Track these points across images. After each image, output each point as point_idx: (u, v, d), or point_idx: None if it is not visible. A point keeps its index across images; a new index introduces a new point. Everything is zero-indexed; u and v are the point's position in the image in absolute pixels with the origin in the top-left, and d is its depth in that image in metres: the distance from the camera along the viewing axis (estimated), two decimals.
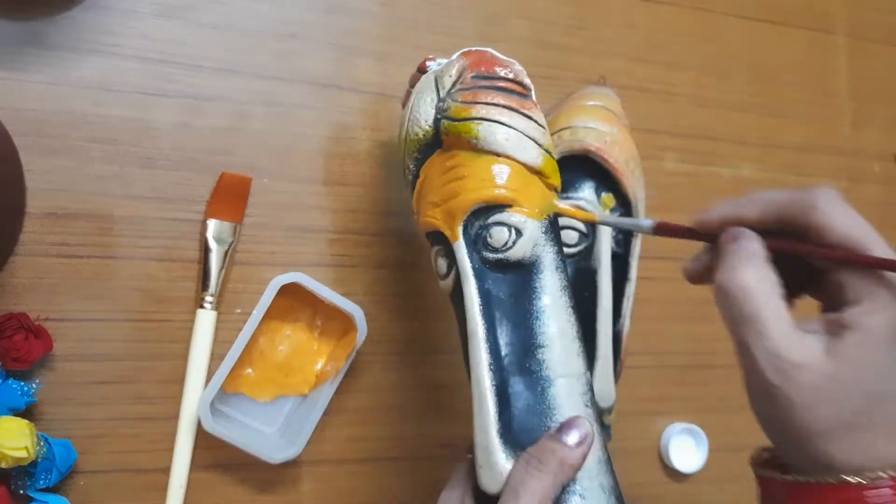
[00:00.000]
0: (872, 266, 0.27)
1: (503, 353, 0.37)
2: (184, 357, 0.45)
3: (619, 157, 0.49)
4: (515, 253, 0.38)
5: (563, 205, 0.39)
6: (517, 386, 0.37)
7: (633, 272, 0.51)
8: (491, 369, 0.36)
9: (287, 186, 0.48)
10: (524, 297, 0.38)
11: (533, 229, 0.38)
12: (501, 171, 0.38)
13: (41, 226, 0.43)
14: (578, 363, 0.38)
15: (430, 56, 0.43)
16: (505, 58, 0.41)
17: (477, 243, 0.38)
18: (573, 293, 0.49)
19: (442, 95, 0.40)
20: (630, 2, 0.58)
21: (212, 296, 0.45)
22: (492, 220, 0.37)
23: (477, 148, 0.38)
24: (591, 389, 0.38)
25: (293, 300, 0.47)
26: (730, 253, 0.30)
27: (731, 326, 0.29)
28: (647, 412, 0.57)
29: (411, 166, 0.41)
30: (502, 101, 0.39)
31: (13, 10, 0.44)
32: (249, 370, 0.47)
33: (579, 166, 0.49)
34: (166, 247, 0.46)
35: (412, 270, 0.51)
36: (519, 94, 0.40)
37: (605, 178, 0.49)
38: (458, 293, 0.38)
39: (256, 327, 0.44)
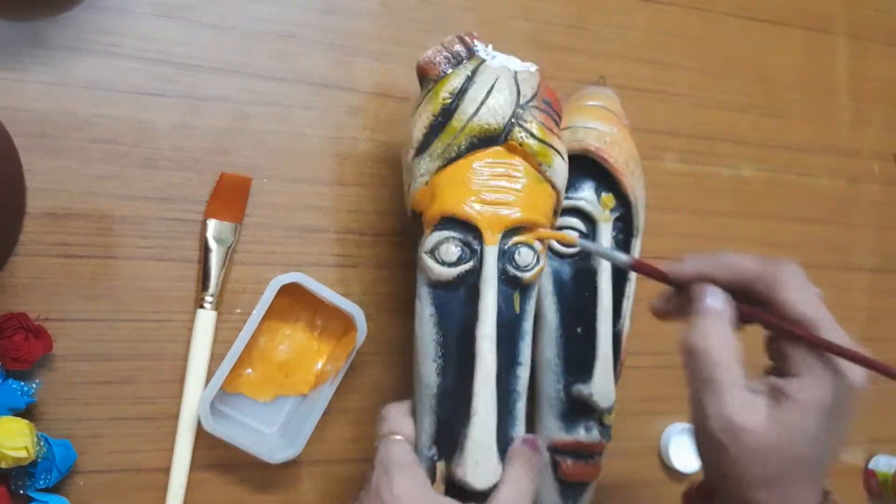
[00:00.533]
0: (823, 347, 0.31)
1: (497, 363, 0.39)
2: (184, 357, 0.45)
3: (619, 157, 0.49)
4: (529, 275, 0.41)
5: (544, 230, 0.41)
6: (503, 392, 0.40)
7: (633, 274, 0.51)
8: (495, 374, 0.39)
9: (287, 186, 0.48)
10: (517, 317, 0.41)
11: (545, 260, 0.42)
12: (549, 202, 0.42)
13: (41, 226, 0.43)
14: (526, 385, 0.42)
15: (473, 34, 0.42)
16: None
17: (505, 255, 0.40)
18: (574, 293, 0.49)
19: (521, 102, 0.40)
20: (629, 2, 0.58)
21: (212, 296, 0.45)
22: (525, 240, 0.40)
23: (543, 173, 0.41)
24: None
25: (293, 300, 0.47)
26: (700, 313, 0.34)
27: (691, 382, 0.33)
28: (647, 412, 0.57)
29: (463, 146, 0.40)
30: (560, 137, 0.43)
31: (13, 11, 0.44)
32: (249, 370, 0.47)
33: (579, 166, 0.49)
34: (166, 247, 0.46)
35: (412, 270, 0.50)
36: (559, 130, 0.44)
37: (605, 178, 0.49)
38: (459, 286, 0.40)
39: (256, 327, 0.44)
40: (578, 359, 0.49)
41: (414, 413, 0.41)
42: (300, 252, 0.48)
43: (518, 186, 0.40)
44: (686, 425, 0.56)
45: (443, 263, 0.40)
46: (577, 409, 0.49)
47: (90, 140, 0.44)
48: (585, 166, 0.49)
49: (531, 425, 0.52)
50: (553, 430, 0.49)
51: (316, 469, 0.48)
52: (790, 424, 0.30)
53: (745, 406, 0.31)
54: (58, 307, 0.43)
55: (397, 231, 0.51)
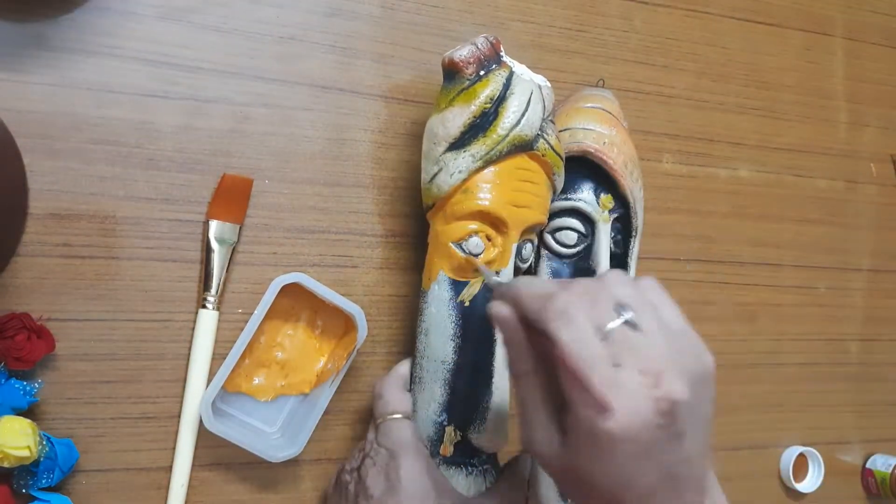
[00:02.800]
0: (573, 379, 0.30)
1: None
2: (185, 357, 0.46)
3: (618, 159, 0.49)
4: (527, 266, 0.47)
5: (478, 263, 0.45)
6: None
7: (632, 273, 0.51)
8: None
9: (288, 188, 0.48)
10: None
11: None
12: (549, 204, 0.48)
13: (44, 227, 0.44)
14: None
15: (498, 39, 0.45)
16: None
17: (515, 249, 0.45)
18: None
19: (545, 116, 0.45)
20: (628, 5, 0.59)
21: (213, 296, 0.45)
22: (531, 238, 0.46)
23: (553, 179, 0.46)
24: None
25: (294, 300, 0.47)
26: (504, 338, 0.34)
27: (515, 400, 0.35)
28: None
29: (504, 152, 0.44)
30: None
31: (15, 12, 0.44)
32: (250, 370, 0.47)
33: (578, 167, 0.50)
34: (168, 247, 0.46)
35: (413, 271, 0.51)
36: None
37: (604, 179, 0.50)
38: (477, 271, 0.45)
39: (258, 327, 0.45)
40: None
41: (410, 384, 0.45)
42: (301, 252, 0.49)
43: (537, 191, 0.45)
44: None
45: (468, 253, 0.44)
46: None
47: (92, 141, 0.45)
48: (584, 167, 0.50)
49: None
50: None
51: (317, 468, 0.48)
52: (570, 459, 0.31)
53: (542, 437, 0.32)
54: (60, 307, 0.44)
55: (398, 232, 0.51)
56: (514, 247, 0.45)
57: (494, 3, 0.55)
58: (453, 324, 0.44)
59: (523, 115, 0.43)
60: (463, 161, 0.44)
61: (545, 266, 0.51)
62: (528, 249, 0.46)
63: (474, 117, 0.43)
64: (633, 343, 0.30)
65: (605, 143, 0.49)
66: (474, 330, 0.45)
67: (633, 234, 0.51)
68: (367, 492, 0.41)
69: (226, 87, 0.47)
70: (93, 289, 0.44)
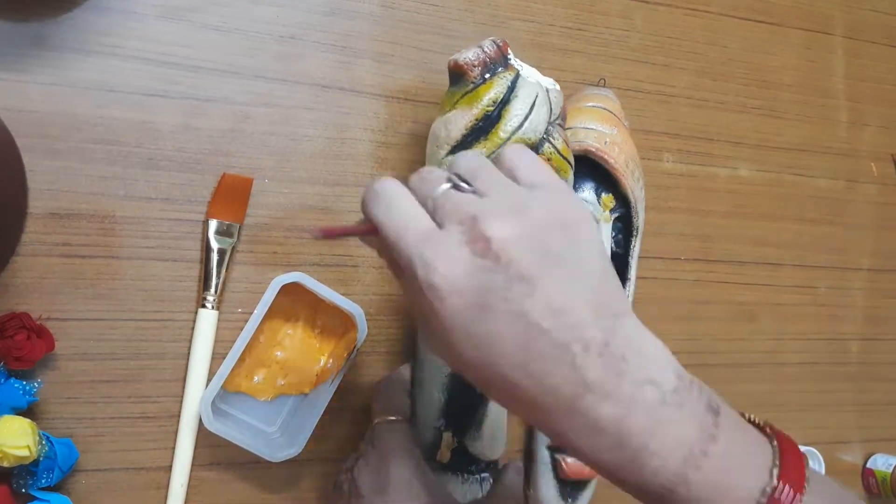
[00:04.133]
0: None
1: None
2: (185, 356, 0.46)
3: (619, 158, 0.49)
4: None
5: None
6: None
7: (633, 272, 0.51)
8: None
9: (288, 187, 0.48)
10: None
11: None
12: None
13: (44, 226, 0.44)
14: None
15: (505, 41, 0.45)
16: None
17: None
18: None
19: (551, 120, 0.44)
20: (628, 4, 0.59)
21: (213, 295, 0.45)
22: None
23: None
24: None
25: (294, 300, 0.47)
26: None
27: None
28: None
29: None
30: None
31: (15, 12, 0.44)
32: (250, 369, 0.47)
33: (580, 167, 0.50)
34: (168, 247, 0.46)
35: None
36: None
37: (605, 179, 0.50)
38: None
39: (257, 327, 0.45)
40: None
41: (411, 387, 0.45)
42: (301, 252, 0.48)
43: None
44: None
45: None
46: None
47: (92, 141, 0.45)
48: (586, 167, 0.50)
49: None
50: None
51: (317, 468, 0.48)
52: (436, 338, 0.29)
53: (422, 335, 0.31)
54: (60, 307, 0.44)
55: None
56: None
57: (495, 1, 0.54)
58: None
59: (526, 118, 0.43)
60: None
61: None
62: None
63: (477, 120, 0.43)
64: (455, 203, 0.29)
65: (606, 142, 0.49)
66: None
67: (634, 233, 0.51)
68: (359, 492, 0.40)
69: (226, 87, 0.47)
70: (92, 288, 0.44)
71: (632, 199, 0.50)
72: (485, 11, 0.54)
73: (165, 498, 0.45)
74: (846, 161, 0.65)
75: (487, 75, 0.44)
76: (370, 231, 0.31)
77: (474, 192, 0.29)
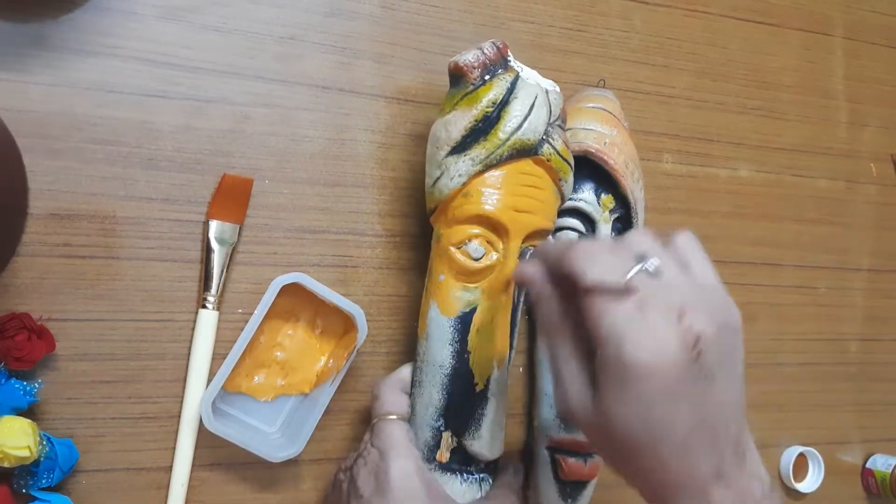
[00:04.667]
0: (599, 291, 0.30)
1: (513, 346, 0.47)
2: (185, 357, 0.46)
3: (619, 159, 0.49)
4: None
5: None
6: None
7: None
8: (510, 355, 0.45)
9: (288, 188, 0.48)
10: (515, 308, 0.46)
11: None
12: (556, 210, 0.47)
13: (44, 226, 0.44)
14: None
15: (505, 43, 0.45)
16: None
17: (519, 255, 0.45)
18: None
19: (551, 121, 0.44)
20: (628, 5, 0.59)
21: (213, 296, 0.46)
22: (534, 243, 0.45)
23: (560, 186, 0.46)
24: None
25: (294, 300, 0.47)
26: (532, 298, 0.34)
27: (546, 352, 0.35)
28: None
29: (504, 157, 0.43)
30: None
31: (15, 12, 0.44)
32: (250, 370, 0.47)
33: (579, 168, 0.50)
34: (168, 247, 0.46)
35: (413, 271, 0.51)
36: None
37: (605, 180, 0.50)
38: (480, 277, 0.44)
39: (258, 327, 0.45)
40: None
41: (411, 387, 0.45)
42: (301, 252, 0.49)
43: (542, 196, 0.45)
44: None
45: (469, 258, 0.44)
46: None
47: (92, 141, 0.45)
48: (585, 167, 0.50)
49: (530, 423, 0.52)
50: (553, 428, 0.49)
51: (317, 468, 0.48)
52: (605, 411, 0.31)
53: (576, 395, 0.32)
54: (60, 307, 0.44)
55: (398, 232, 0.51)
56: (515, 251, 0.44)
57: (495, 2, 0.55)
58: (452, 329, 0.44)
59: (525, 119, 0.43)
60: (463, 165, 0.43)
61: None
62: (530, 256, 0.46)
63: (476, 121, 0.43)
64: (654, 288, 0.30)
65: (606, 143, 0.49)
66: (471, 333, 0.45)
67: None
68: (358, 492, 0.41)
69: (226, 87, 0.47)
70: (93, 289, 0.44)
71: (631, 200, 0.50)
72: (485, 13, 0.54)
73: (166, 498, 0.45)
74: (846, 161, 0.66)
75: (487, 77, 0.44)
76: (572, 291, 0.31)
77: (661, 276, 0.31)
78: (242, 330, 0.45)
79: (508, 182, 0.43)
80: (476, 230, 0.43)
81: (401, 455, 0.41)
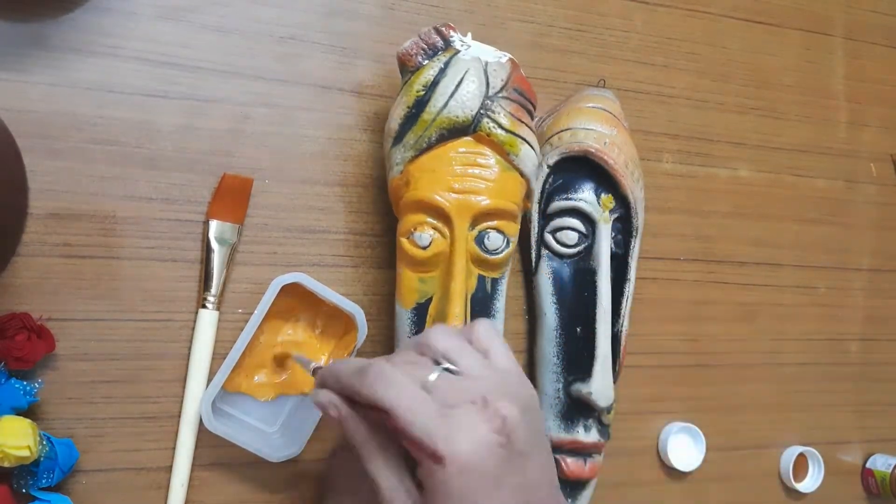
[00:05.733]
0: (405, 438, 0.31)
1: None
2: (185, 356, 0.46)
3: (619, 159, 0.49)
4: (501, 258, 0.43)
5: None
6: None
7: (632, 273, 0.51)
8: None
9: (288, 187, 0.48)
10: (487, 295, 0.44)
11: (515, 241, 0.44)
12: (519, 189, 0.43)
13: (44, 226, 0.44)
14: None
15: (451, 25, 0.44)
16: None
17: (477, 240, 0.42)
18: (573, 293, 0.50)
19: (490, 94, 0.42)
20: (628, 5, 0.59)
21: (213, 296, 0.46)
22: (496, 226, 0.43)
23: (512, 162, 0.43)
24: None
25: (294, 300, 0.47)
26: (340, 423, 0.34)
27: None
28: (646, 411, 0.57)
29: (433, 137, 0.42)
30: (532, 126, 0.44)
31: (15, 12, 0.44)
32: (250, 369, 0.47)
33: (579, 167, 0.50)
34: (168, 247, 0.46)
35: None
36: (533, 118, 0.45)
37: (605, 179, 0.50)
38: (431, 266, 0.43)
39: (258, 327, 0.45)
40: (578, 358, 0.49)
41: None
42: (301, 252, 0.49)
43: (488, 174, 0.42)
44: (684, 424, 0.57)
45: (416, 246, 0.42)
46: (577, 409, 0.49)
47: (92, 141, 0.45)
48: (586, 167, 0.50)
49: None
50: (552, 428, 0.49)
51: (317, 468, 0.48)
52: None
53: (403, 501, 0.32)
54: (60, 307, 0.44)
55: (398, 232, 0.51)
56: (461, 236, 0.42)
57: (494, 2, 0.55)
58: (409, 321, 0.44)
59: (451, 96, 0.41)
60: (399, 153, 0.43)
61: (545, 266, 0.51)
62: (494, 239, 0.43)
63: (409, 108, 0.42)
64: (456, 386, 0.31)
65: (606, 143, 0.49)
66: (425, 322, 0.44)
67: (634, 234, 0.51)
68: (333, 484, 0.43)
69: (226, 87, 0.47)
70: (93, 289, 0.44)
71: (631, 200, 0.50)
72: (485, 12, 0.54)
73: (166, 498, 0.45)
74: (846, 161, 0.66)
75: (425, 61, 0.43)
76: (375, 408, 0.32)
77: (461, 373, 0.32)
78: (242, 330, 0.45)
79: (444, 163, 0.42)
80: (421, 217, 0.42)
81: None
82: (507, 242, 0.43)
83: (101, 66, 0.45)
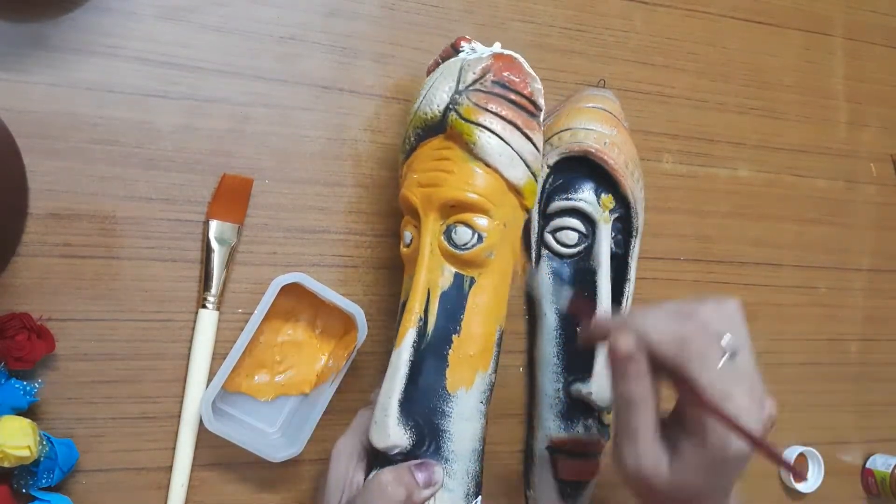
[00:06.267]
0: (719, 418, 0.33)
1: (429, 333, 0.41)
2: (185, 356, 0.46)
3: (619, 159, 0.49)
4: (471, 254, 0.41)
5: None
6: (428, 366, 0.41)
7: (633, 272, 0.51)
8: (413, 346, 0.41)
9: (288, 188, 0.48)
10: (463, 292, 0.42)
11: (493, 238, 0.41)
12: (483, 181, 0.41)
13: (44, 227, 0.44)
14: (487, 362, 0.42)
15: (466, 37, 0.45)
16: (530, 72, 0.43)
17: (444, 233, 0.41)
18: (573, 293, 0.50)
19: (460, 88, 0.41)
20: (628, 5, 0.59)
21: (213, 296, 0.46)
22: (461, 219, 0.41)
23: (472, 152, 0.41)
24: (491, 391, 0.43)
25: (294, 300, 0.47)
26: (624, 370, 0.36)
27: (616, 424, 0.37)
28: None
29: (412, 138, 0.43)
30: (509, 116, 0.41)
31: (15, 12, 0.44)
32: (250, 370, 0.47)
33: (579, 167, 0.50)
34: (168, 247, 0.46)
35: None
36: (528, 112, 0.42)
37: (605, 179, 0.50)
38: (411, 263, 0.43)
39: (258, 327, 0.45)
40: (577, 358, 0.49)
41: None
42: (301, 252, 0.49)
43: (449, 167, 0.41)
44: None
45: (403, 245, 0.43)
46: (577, 408, 0.49)
47: (92, 141, 0.45)
48: (586, 167, 0.50)
49: (530, 423, 0.52)
50: (552, 428, 0.49)
51: (317, 468, 0.48)
52: (683, 477, 0.35)
53: (653, 455, 0.35)
54: (60, 307, 0.44)
55: (398, 232, 0.51)
56: (428, 230, 0.41)
57: (494, 2, 0.55)
58: (398, 317, 0.44)
59: (424, 96, 0.42)
60: (399, 161, 0.45)
61: (545, 266, 0.51)
62: (461, 234, 0.41)
63: (408, 116, 0.44)
64: (736, 372, 0.34)
65: (606, 143, 0.49)
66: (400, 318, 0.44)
67: (634, 234, 0.51)
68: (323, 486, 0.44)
69: (226, 87, 0.47)
70: (93, 289, 0.44)
71: (631, 200, 0.50)
72: (485, 12, 0.54)
73: (166, 498, 0.45)
74: (846, 162, 0.66)
75: None
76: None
77: (738, 360, 0.35)
78: (242, 330, 0.45)
79: (420, 162, 0.43)
80: (406, 218, 0.44)
81: (347, 432, 0.43)
82: (479, 237, 0.41)
83: (101, 66, 0.45)
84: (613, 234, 0.50)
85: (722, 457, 0.34)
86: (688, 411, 0.35)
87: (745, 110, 0.62)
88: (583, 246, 0.50)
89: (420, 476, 0.40)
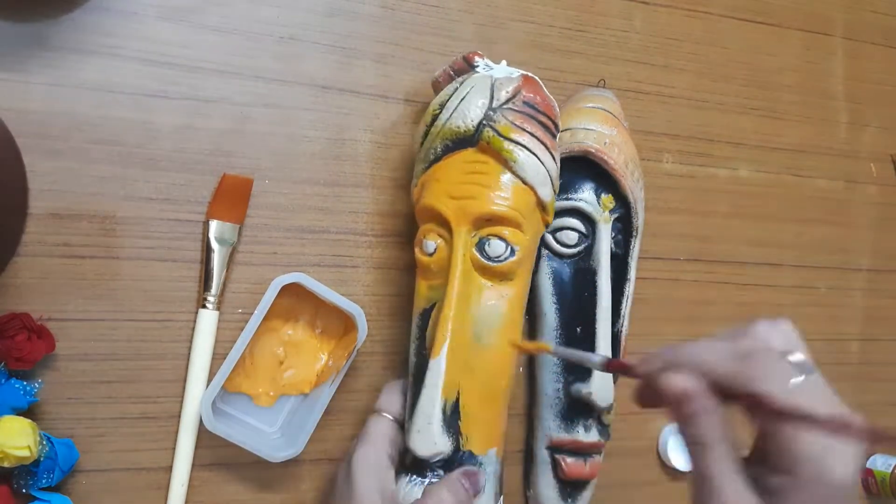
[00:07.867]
0: (821, 427, 0.29)
1: None
2: (185, 357, 0.46)
3: (619, 159, 0.49)
4: (504, 266, 0.43)
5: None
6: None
7: (633, 273, 0.51)
8: (447, 354, 0.42)
9: (288, 188, 0.48)
10: (493, 303, 0.43)
11: (523, 251, 0.43)
12: (519, 196, 0.43)
13: (44, 226, 0.44)
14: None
15: (478, 52, 0.46)
16: (549, 94, 0.46)
17: (476, 245, 0.42)
18: (573, 293, 0.50)
19: (494, 105, 0.43)
20: (628, 5, 0.59)
21: (213, 296, 0.46)
22: (495, 231, 0.42)
23: (511, 168, 0.43)
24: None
25: (294, 300, 0.47)
26: (687, 411, 0.31)
27: (692, 481, 0.32)
28: (646, 412, 0.57)
29: (439, 149, 0.44)
30: (540, 136, 0.44)
31: (15, 12, 0.44)
32: (250, 369, 0.47)
33: (579, 167, 0.50)
34: (168, 247, 0.46)
35: (412, 271, 0.51)
36: (552, 133, 0.45)
37: (605, 179, 0.50)
38: (432, 271, 0.44)
39: (258, 327, 0.45)
40: None
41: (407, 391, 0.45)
42: (301, 252, 0.49)
43: (485, 182, 0.42)
44: None
45: (424, 253, 0.44)
46: (577, 409, 0.49)
47: (92, 141, 0.45)
48: (585, 167, 0.50)
49: (530, 423, 0.52)
50: (552, 428, 0.49)
51: (317, 468, 0.48)
52: None
53: None
54: (60, 307, 0.44)
55: (398, 232, 0.51)
56: (460, 241, 0.42)
57: (495, 2, 0.54)
58: (416, 325, 0.45)
59: (455, 109, 0.43)
60: (417, 167, 0.45)
61: (545, 266, 0.51)
62: (495, 246, 0.42)
63: (426, 125, 0.45)
64: (815, 390, 0.30)
65: (606, 143, 0.49)
66: (426, 327, 0.44)
67: (634, 234, 0.51)
68: (336, 478, 0.43)
69: (226, 87, 0.47)
70: (93, 289, 0.44)
71: (631, 200, 0.50)
72: (484, 12, 0.54)
73: (166, 498, 0.45)
74: (846, 162, 0.66)
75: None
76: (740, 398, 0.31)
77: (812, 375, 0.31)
78: (242, 330, 0.45)
79: (449, 172, 0.43)
80: (429, 226, 0.44)
81: (367, 443, 0.42)
82: (512, 251, 0.43)
83: (101, 66, 0.45)
84: (613, 234, 0.50)
85: (824, 487, 0.29)
86: (770, 443, 0.30)
87: (745, 110, 0.62)
88: (583, 246, 0.50)
89: (470, 485, 0.41)
